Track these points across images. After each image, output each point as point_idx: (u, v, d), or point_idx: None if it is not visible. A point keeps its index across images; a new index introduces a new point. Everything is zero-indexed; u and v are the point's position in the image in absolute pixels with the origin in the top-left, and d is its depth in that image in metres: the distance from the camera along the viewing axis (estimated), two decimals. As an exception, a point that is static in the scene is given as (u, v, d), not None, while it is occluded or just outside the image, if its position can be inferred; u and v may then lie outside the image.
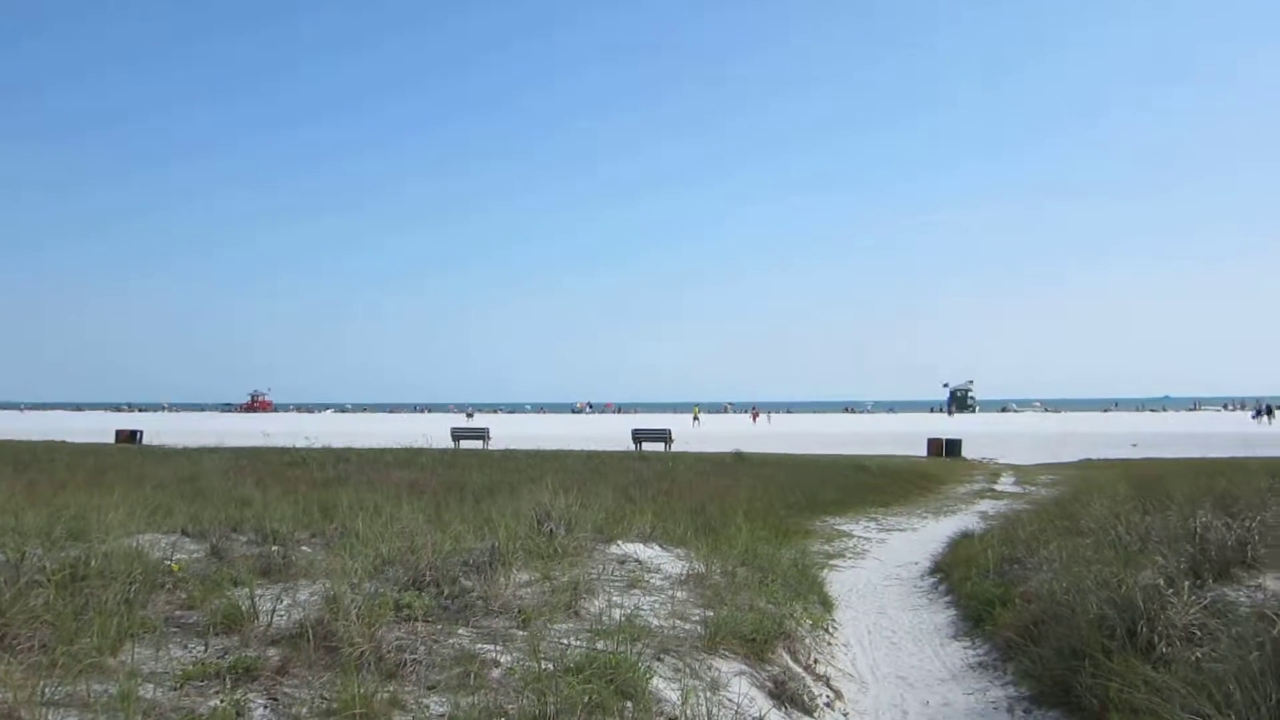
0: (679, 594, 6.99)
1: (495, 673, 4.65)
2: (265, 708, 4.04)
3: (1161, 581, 6.23)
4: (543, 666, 4.60)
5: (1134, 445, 36.66)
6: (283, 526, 8.27)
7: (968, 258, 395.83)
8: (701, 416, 78.01)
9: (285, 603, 5.57)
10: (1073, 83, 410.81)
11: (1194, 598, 6.05)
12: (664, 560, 8.32)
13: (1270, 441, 35.26)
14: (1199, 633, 5.66)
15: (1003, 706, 6.00)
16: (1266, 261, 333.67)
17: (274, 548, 7.28)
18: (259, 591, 5.67)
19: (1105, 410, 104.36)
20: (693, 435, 43.89)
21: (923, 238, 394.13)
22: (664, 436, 35.52)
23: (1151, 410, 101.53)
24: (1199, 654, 5.30)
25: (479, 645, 5.05)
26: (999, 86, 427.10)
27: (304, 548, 7.65)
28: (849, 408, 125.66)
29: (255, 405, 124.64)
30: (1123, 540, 7.88)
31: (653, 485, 16.54)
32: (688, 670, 5.30)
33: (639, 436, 35.75)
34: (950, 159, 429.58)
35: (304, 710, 3.99)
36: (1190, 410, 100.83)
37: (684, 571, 7.81)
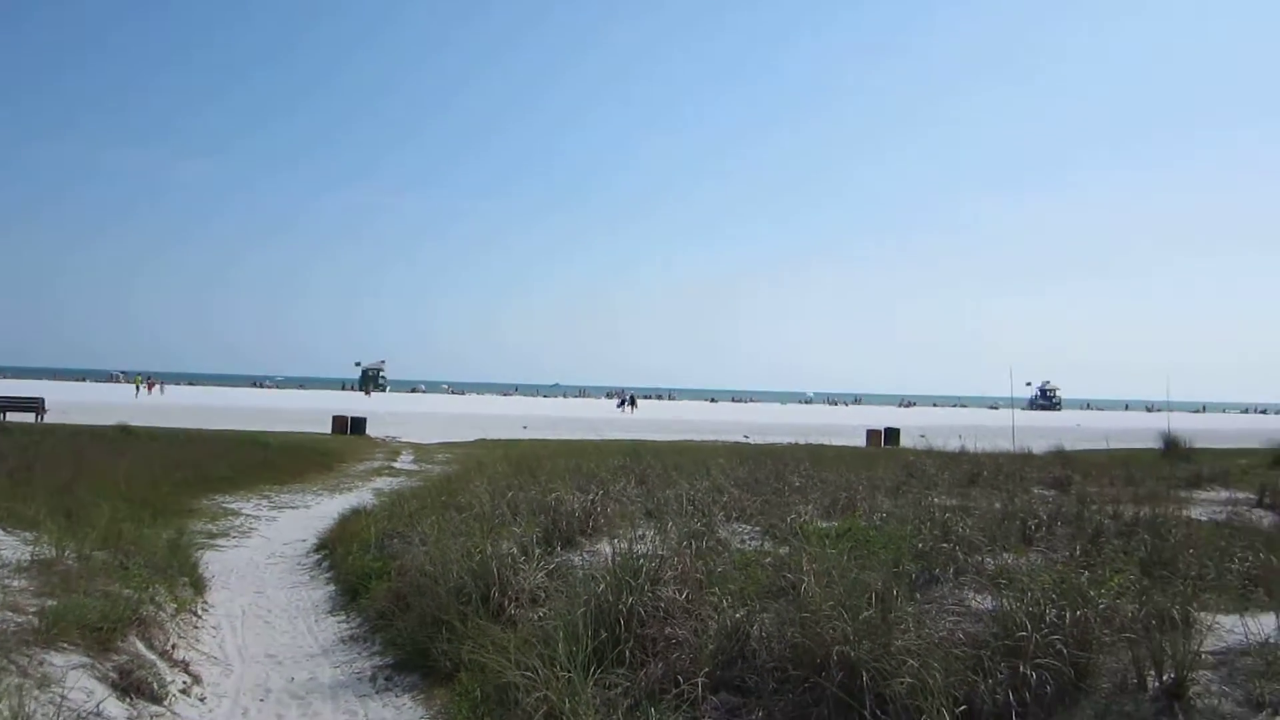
0: (18, 583, 6.29)
1: None
2: None
3: (516, 550, 6.93)
4: None
5: (525, 427, 40.16)
6: None
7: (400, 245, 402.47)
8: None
9: None
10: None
11: (542, 564, 6.83)
12: (6, 546, 7.28)
13: (631, 427, 41.24)
14: (543, 594, 6.40)
15: (366, 676, 6.22)
16: (715, 267, 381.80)
17: None
18: None
19: (505, 394, 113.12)
20: (68, 405, 38.71)
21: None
22: (36, 406, 31.22)
23: (531, 395, 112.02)
24: (541, 613, 6.00)
25: None
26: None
27: None
28: (258, 382, 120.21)
29: None
30: (491, 514, 8.60)
31: (11, 460, 14.27)
32: (14, 668, 4.75)
33: (2, 405, 30.86)
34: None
35: None
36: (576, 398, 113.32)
37: (29, 557, 6.98)
